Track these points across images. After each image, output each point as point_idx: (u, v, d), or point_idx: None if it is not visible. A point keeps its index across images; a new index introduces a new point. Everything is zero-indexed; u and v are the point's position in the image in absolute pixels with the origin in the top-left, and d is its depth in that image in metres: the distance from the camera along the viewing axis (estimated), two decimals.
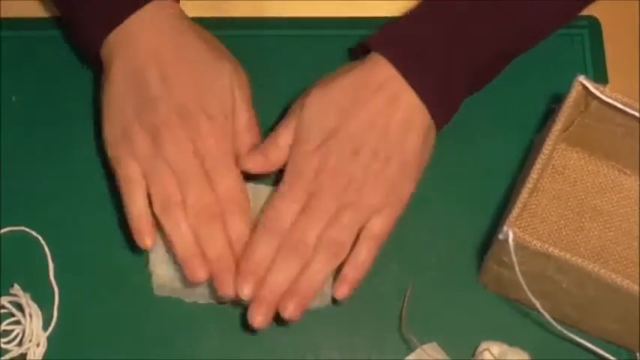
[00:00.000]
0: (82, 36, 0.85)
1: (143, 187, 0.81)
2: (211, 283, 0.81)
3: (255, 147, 0.84)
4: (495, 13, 0.83)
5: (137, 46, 0.83)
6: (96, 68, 0.86)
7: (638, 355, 0.82)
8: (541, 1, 0.85)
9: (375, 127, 0.81)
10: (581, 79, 0.81)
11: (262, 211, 0.82)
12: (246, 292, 0.79)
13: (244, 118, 0.84)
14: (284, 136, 0.83)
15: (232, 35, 0.91)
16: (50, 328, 0.82)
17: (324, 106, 0.82)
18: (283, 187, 0.81)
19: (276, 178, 0.85)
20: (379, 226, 0.81)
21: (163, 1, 0.84)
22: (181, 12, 0.86)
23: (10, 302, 0.82)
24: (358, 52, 0.86)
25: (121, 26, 0.83)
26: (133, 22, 0.83)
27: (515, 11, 0.84)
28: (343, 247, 0.80)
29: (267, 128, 0.88)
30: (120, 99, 0.82)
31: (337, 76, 0.84)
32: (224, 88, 0.83)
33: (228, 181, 0.81)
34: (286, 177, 0.82)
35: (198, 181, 0.80)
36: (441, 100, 0.83)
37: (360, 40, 0.86)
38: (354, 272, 0.80)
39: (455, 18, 0.83)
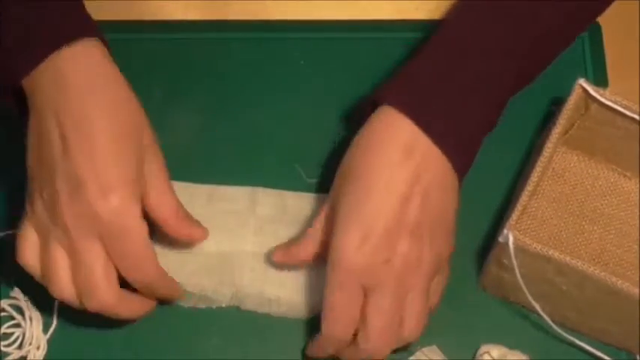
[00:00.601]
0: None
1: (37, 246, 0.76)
2: (209, 290, 0.82)
3: (173, 220, 0.78)
4: (507, 49, 0.79)
5: (46, 101, 0.74)
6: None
7: (638, 357, 0.81)
8: (551, 27, 0.81)
9: (414, 199, 0.75)
10: (582, 81, 0.81)
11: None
12: None
13: (153, 194, 0.77)
14: (315, 236, 0.78)
15: (232, 38, 0.92)
16: (50, 331, 0.82)
17: (360, 195, 0.75)
18: (331, 291, 0.75)
19: None
20: (435, 297, 0.79)
21: (87, 44, 0.75)
22: (103, 60, 0.76)
23: (11, 305, 0.82)
24: (366, 108, 0.79)
25: (36, 70, 0.74)
26: (47, 69, 0.74)
27: (528, 41, 0.80)
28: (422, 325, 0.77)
29: (267, 130, 0.88)
30: (32, 152, 0.76)
31: (363, 157, 0.76)
32: (127, 166, 0.74)
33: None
34: (334, 276, 0.75)
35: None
36: (462, 149, 0.77)
37: (364, 43, 0.86)
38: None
39: (468, 63, 0.78)
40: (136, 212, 0.74)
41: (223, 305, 0.83)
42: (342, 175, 0.78)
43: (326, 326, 0.76)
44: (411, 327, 0.76)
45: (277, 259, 0.81)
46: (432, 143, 0.75)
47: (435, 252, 0.76)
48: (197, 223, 0.81)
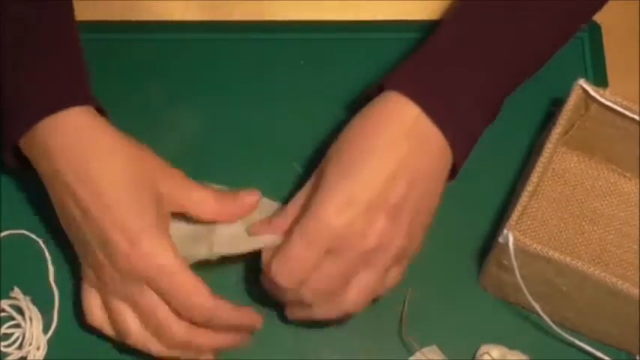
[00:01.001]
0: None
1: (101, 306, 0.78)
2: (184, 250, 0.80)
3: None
4: (513, 39, 0.80)
5: (47, 167, 0.76)
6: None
7: (638, 357, 0.82)
8: (551, 20, 0.81)
9: (401, 181, 0.75)
10: (581, 82, 0.81)
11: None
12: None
13: (189, 204, 0.77)
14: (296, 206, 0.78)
15: (232, 39, 0.92)
16: (50, 332, 0.82)
17: (353, 163, 0.75)
18: (296, 243, 0.75)
19: None
20: (386, 285, 0.78)
21: (73, 113, 0.76)
22: (91, 124, 0.76)
23: (11, 305, 0.82)
24: (372, 93, 0.79)
25: (27, 137, 0.76)
26: (35, 138, 0.76)
27: (532, 33, 0.81)
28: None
29: (267, 130, 0.88)
30: (59, 213, 0.78)
31: (364, 128, 0.76)
32: (145, 209, 0.75)
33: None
34: (306, 231, 0.74)
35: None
36: (465, 137, 0.78)
37: (364, 44, 0.86)
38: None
39: (473, 51, 0.79)
40: (166, 248, 0.74)
41: (201, 258, 0.79)
42: (339, 142, 0.77)
43: (274, 269, 0.75)
44: (352, 298, 0.76)
45: (254, 231, 0.79)
46: (437, 128, 0.76)
47: (406, 240, 0.76)
48: (243, 192, 0.79)
